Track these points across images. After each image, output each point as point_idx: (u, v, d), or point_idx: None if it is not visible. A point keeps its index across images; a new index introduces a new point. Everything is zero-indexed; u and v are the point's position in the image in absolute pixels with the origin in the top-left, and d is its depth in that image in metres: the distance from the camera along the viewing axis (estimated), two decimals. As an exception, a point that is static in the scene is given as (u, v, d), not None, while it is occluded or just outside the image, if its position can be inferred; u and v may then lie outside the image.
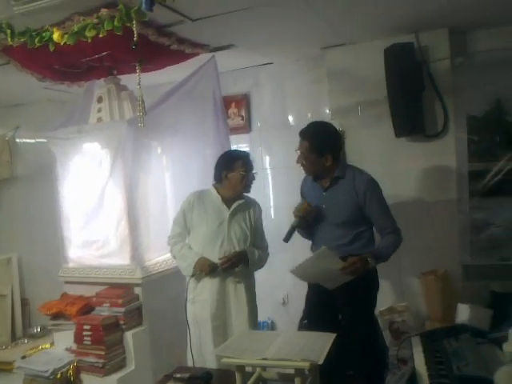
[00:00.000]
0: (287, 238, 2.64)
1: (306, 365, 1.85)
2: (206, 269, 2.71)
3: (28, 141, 4.87)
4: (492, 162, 3.27)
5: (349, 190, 2.59)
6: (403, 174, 3.53)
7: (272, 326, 3.92)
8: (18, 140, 4.92)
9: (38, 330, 4.43)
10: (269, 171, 4.08)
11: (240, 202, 2.85)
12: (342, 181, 2.62)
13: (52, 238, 4.21)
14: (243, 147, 4.09)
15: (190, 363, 2.78)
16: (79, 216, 3.38)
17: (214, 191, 2.87)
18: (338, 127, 3.64)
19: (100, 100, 3.41)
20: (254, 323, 2.87)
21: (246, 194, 2.92)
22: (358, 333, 2.55)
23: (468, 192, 3.36)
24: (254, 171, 2.90)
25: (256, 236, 2.89)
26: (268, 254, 2.95)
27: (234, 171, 2.80)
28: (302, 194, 2.86)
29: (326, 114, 3.78)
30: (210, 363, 2.71)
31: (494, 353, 2.42)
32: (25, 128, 4.83)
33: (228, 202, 2.84)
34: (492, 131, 3.26)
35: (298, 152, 2.67)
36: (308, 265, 2.52)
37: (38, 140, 4.57)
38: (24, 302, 4.93)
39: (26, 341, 4.44)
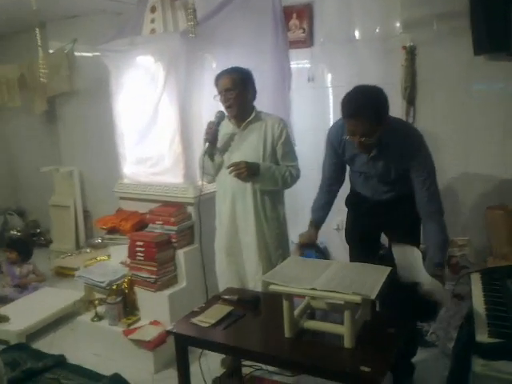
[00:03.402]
0: None
1: (358, 299, 1.75)
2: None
3: (86, 54, 4.80)
4: None
5: (400, 154, 2.24)
6: (479, 96, 3.19)
7: (324, 251, 3.86)
8: (76, 53, 4.87)
9: (99, 240, 4.62)
10: (330, 90, 3.80)
11: (249, 119, 2.65)
12: (389, 147, 2.25)
13: (110, 153, 4.26)
14: (303, 63, 3.82)
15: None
16: (133, 132, 3.33)
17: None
18: (408, 42, 3.31)
19: (153, 10, 3.22)
20: (265, 258, 2.66)
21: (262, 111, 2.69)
22: None
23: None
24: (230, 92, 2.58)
25: (278, 155, 2.65)
26: (293, 175, 2.63)
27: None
28: (336, 147, 2.42)
29: (395, 27, 3.41)
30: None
31: None
32: (81, 41, 4.75)
33: (239, 121, 2.68)
34: None
35: (350, 137, 2.18)
36: None
37: (94, 53, 4.50)
38: (86, 214, 5.13)
39: (88, 250, 4.68)
